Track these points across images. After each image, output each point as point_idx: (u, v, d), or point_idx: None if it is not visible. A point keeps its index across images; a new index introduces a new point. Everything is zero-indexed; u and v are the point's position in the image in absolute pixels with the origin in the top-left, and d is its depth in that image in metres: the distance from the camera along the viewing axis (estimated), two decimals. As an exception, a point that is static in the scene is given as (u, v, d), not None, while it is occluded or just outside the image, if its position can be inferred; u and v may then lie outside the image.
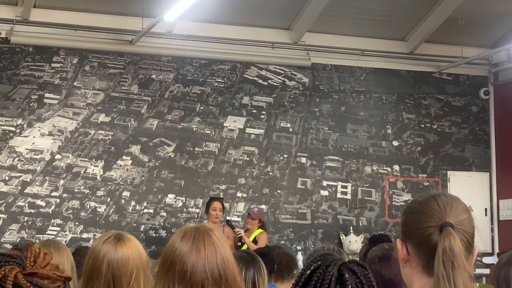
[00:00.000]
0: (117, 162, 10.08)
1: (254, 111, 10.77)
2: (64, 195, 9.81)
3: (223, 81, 10.70)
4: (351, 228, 10.69)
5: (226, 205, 10.17)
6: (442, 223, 2.01)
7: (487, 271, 9.84)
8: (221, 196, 9.94)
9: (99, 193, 9.95)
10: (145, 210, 10.10)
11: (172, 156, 10.32)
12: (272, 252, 5.79)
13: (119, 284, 2.78)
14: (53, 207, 9.74)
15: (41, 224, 9.66)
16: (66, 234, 9.70)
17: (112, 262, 2.79)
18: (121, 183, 10.06)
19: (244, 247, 8.76)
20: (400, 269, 2.14)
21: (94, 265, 2.80)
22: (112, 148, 10.09)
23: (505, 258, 3.64)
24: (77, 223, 9.80)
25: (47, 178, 9.77)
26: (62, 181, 9.82)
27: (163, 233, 10.02)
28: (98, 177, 9.97)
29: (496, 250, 10.74)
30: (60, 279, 1.54)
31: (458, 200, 2.11)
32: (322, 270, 1.67)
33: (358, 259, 5.56)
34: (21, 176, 9.68)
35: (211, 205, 9.26)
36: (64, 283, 1.55)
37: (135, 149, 10.18)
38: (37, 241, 9.02)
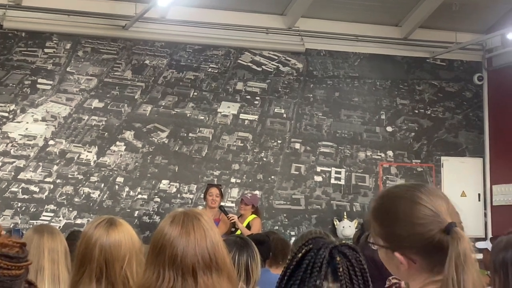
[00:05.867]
0: (110, 147, 10.07)
1: (248, 96, 10.76)
2: (58, 180, 9.80)
3: (217, 66, 10.68)
4: (345, 214, 10.72)
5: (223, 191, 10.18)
6: (446, 226, 1.97)
7: (480, 256, 9.87)
8: (219, 183, 9.92)
9: (93, 178, 9.94)
10: (139, 196, 10.10)
11: (166, 141, 10.31)
12: (269, 240, 5.80)
13: (111, 268, 2.78)
14: (46, 193, 9.73)
15: (34, 209, 9.65)
16: (60, 220, 9.70)
17: (105, 246, 2.78)
18: (114, 168, 10.05)
19: (238, 232, 8.77)
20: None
21: (87, 250, 2.80)
22: (106, 133, 10.07)
23: (503, 242, 3.61)
24: (70, 209, 9.80)
25: (41, 163, 9.75)
26: (55, 167, 9.81)
27: (157, 218, 10.02)
28: (92, 163, 9.96)
29: (489, 235, 10.79)
30: (17, 245, 1.69)
31: (437, 192, 2.06)
32: (313, 253, 1.68)
33: (351, 244, 5.57)
34: (14, 161, 9.66)
35: (208, 191, 9.31)
36: (21, 248, 1.70)
37: (128, 134, 10.17)
38: (31, 226, 9.02)
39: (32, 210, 9.65)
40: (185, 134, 10.41)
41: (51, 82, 9.93)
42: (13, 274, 1.66)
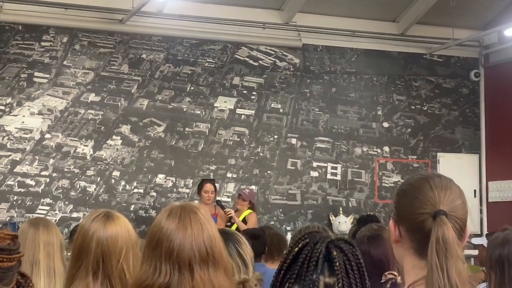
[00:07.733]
0: (107, 141, 10.06)
1: (245, 91, 10.75)
2: (54, 174, 9.79)
3: (214, 61, 10.67)
4: (341, 209, 10.73)
5: (217, 185, 10.18)
6: (436, 211, 2.01)
7: (475, 252, 9.88)
8: (213, 178, 9.94)
9: (89, 172, 9.93)
10: (135, 190, 10.10)
11: (162, 136, 10.31)
12: (265, 235, 5.81)
13: (108, 262, 2.77)
14: (42, 186, 9.72)
15: (30, 203, 9.64)
16: (56, 213, 9.70)
17: (102, 240, 2.78)
18: (111, 162, 10.04)
19: (234, 227, 8.78)
20: (389, 248, 2.16)
21: (83, 243, 2.80)
22: (102, 127, 10.06)
23: (500, 239, 3.61)
24: (66, 203, 9.79)
25: (37, 157, 9.74)
26: (51, 161, 9.80)
27: (153, 213, 10.02)
28: (88, 157, 9.95)
29: (485, 231, 10.81)
30: (8, 237, 1.74)
31: (451, 186, 2.09)
32: (310, 248, 1.67)
33: (347, 239, 5.59)
34: (10, 155, 9.65)
35: (203, 187, 9.31)
36: (12, 240, 1.75)
37: (125, 129, 10.16)
38: (27, 220, 9.01)
39: (28, 203, 9.64)
40: (182, 129, 10.41)
41: (47, 76, 9.91)
42: (4, 266, 1.67)
